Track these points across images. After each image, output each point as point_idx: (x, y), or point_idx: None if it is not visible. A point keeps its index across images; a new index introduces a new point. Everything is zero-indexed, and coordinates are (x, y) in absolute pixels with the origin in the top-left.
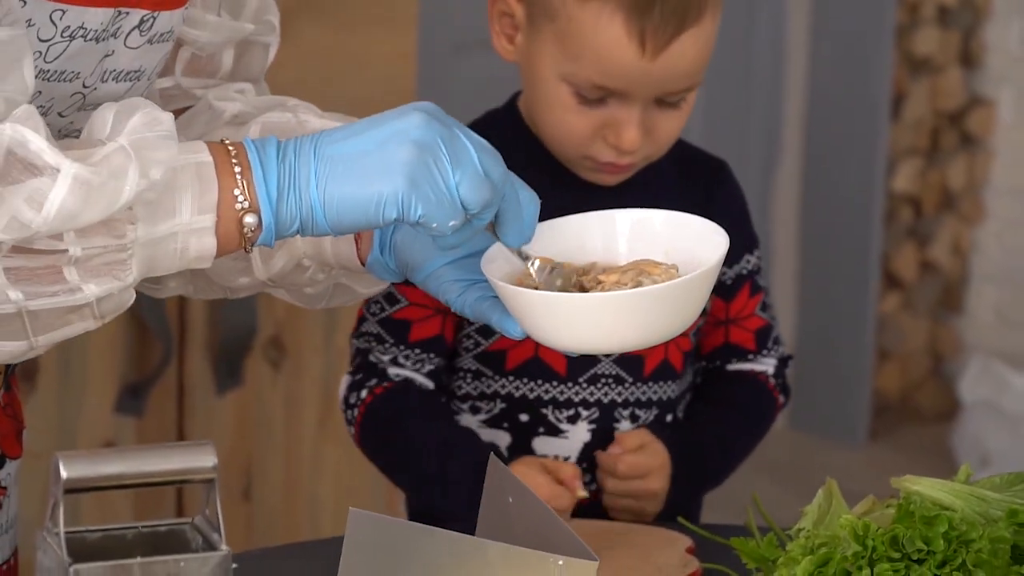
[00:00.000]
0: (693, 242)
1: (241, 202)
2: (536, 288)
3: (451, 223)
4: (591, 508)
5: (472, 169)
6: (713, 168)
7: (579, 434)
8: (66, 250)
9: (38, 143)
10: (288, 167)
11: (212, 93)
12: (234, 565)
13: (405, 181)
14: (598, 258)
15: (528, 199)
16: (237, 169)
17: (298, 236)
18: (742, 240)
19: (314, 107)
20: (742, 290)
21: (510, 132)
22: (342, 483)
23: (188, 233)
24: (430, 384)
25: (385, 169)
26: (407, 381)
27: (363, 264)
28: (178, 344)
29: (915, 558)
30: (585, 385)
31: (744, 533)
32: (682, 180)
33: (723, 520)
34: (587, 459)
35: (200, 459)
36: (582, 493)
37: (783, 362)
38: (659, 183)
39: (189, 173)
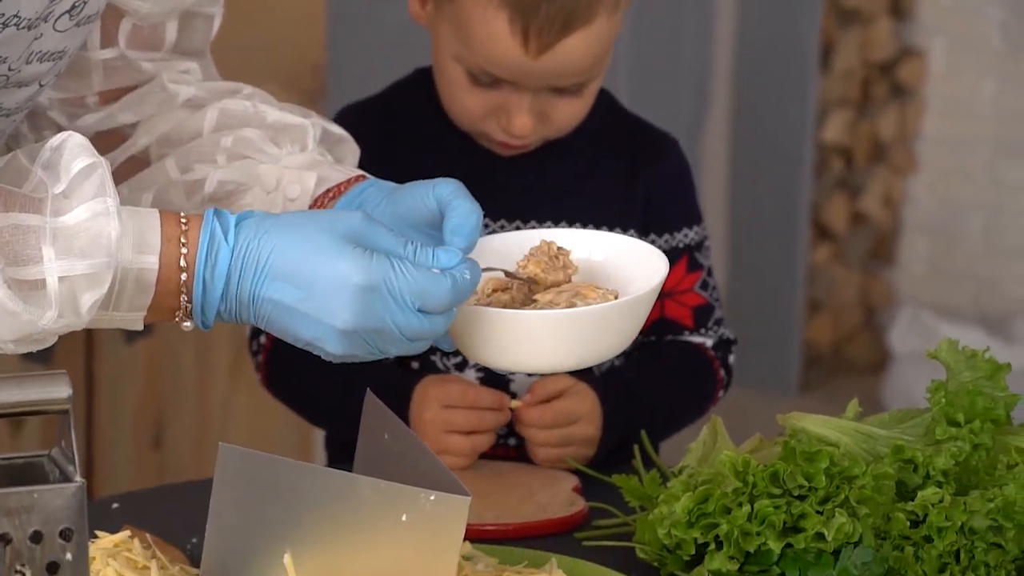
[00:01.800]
0: (634, 267)
1: (180, 317)
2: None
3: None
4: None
5: (402, 345)
6: (653, 141)
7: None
8: None
9: None
10: (229, 305)
11: (165, 75)
12: (115, 505)
13: (343, 345)
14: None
15: (470, 210)
16: (184, 299)
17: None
18: (679, 212)
19: (270, 96)
20: (678, 264)
21: (426, 95)
22: (254, 431)
23: (114, 320)
24: None
25: (323, 334)
26: None
27: None
28: None
29: (796, 494)
30: None
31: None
32: (613, 150)
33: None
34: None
35: (54, 390)
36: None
37: (725, 343)
38: (584, 151)
39: (130, 279)
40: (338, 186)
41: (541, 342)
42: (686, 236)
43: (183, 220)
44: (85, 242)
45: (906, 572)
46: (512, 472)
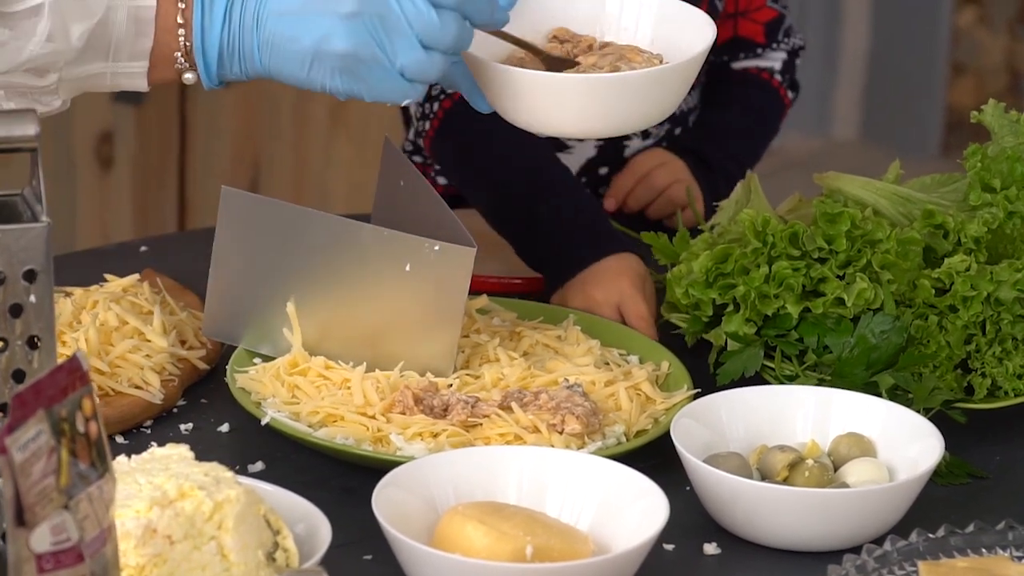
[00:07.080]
0: (681, 31)
1: (181, 63)
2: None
3: (404, 101)
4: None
5: (412, 48)
6: None
7: (584, 150)
8: None
9: None
10: (232, 34)
11: None
12: (143, 248)
13: (343, 79)
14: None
15: None
16: (181, 32)
17: None
18: None
19: None
20: None
21: None
22: (353, 178)
23: (118, 75)
24: None
25: (323, 63)
26: None
27: None
28: None
29: (817, 257)
30: None
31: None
32: None
33: None
34: (588, 175)
35: (21, 127)
36: None
37: (793, 54)
38: None
39: (128, 19)
40: None
41: (580, 106)
42: None
43: None
44: None
45: (929, 342)
46: None
